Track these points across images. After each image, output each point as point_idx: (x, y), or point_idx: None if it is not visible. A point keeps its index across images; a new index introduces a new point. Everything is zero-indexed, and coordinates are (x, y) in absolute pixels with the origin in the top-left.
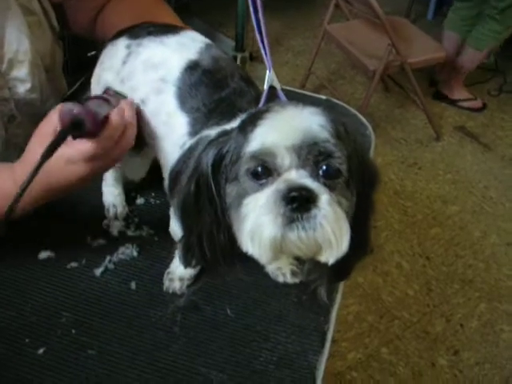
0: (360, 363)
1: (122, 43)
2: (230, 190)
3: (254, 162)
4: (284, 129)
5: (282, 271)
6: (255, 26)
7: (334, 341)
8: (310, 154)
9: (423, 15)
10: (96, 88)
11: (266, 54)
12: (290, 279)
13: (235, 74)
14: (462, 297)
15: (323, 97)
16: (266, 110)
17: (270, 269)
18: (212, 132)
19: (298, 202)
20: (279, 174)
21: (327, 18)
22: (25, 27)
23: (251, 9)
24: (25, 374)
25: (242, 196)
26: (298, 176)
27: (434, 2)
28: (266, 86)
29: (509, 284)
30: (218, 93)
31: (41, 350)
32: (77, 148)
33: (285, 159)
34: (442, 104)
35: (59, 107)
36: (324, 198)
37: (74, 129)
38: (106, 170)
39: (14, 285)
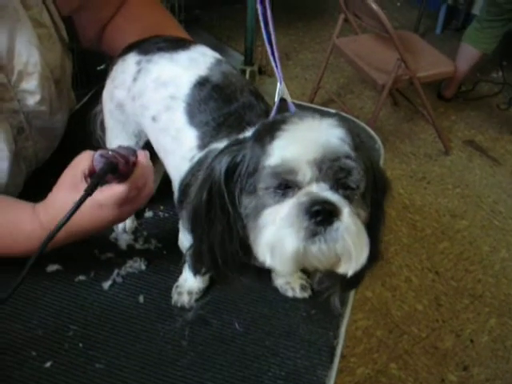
0: (369, 379)
1: (132, 59)
2: (248, 201)
3: (275, 178)
4: (304, 143)
5: (291, 286)
6: (265, 39)
7: (342, 356)
8: (331, 168)
9: (432, 29)
10: (109, 104)
11: (276, 66)
12: (299, 294)
13: (244, 89)
14: (472, 312)
15: (332, 111)
16: (283, 121)
17: (279, 283)
18: (221, 145)
19: (322, 216)
20: (300, 187)
21: (336, 32)
22: (35, 39)
23: (261, 22)
24: None
25: (260, 208)
26: (320, 189)
27: (442, 17)
28: (276, 99)
29: None
30: (227, 107)
31: (48, 364)
32: (109, 192)
33: (306, 174)
34: (452, 118)
35: (89, 155)
36: (346, 211)
37: (109, 171)
38: (130, 214)
39: (21, 297)
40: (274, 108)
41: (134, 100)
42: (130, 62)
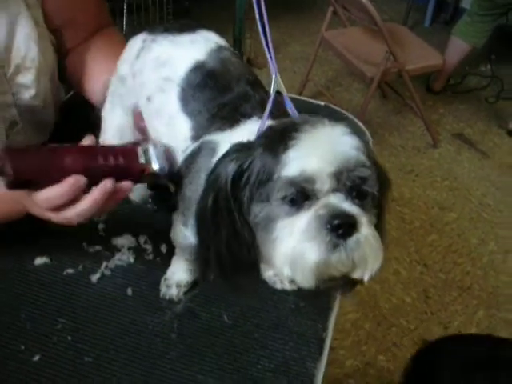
0: (357, 370)
1: (140, 37)
2: (258, 210)
3: (292, 188)
4: (323, 154)
5: (279, 278)
6: (260, 30)
7: (331, 348)
8: (349, 178)
9: (420, 22)
10: (114, 75)
11: (271, 57)
12: (288, 286)
13: (241, 78)
14: (460, 304)
15: (322, 103)
16: (295, 129)
17: (268, 276)
18: (214, 137)
19: (343, 229)
20: (317, 198)
21: (325, 25)
22: (35, 34)
23: (256, 13)
24: (20, 381)
25: (273, 218)
26: (337, 200)
27: (431, 10)
28: (272, 91)
29: (506, 291)
30: (221, 97)
31: (36, 357)
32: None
33: (324, 184)
34: (440, 111)
35: None
36: (364, 221)
37: None
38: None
39: (8, 290)
40: (270, 101)
41: (134, 77)
42: (138, 39)
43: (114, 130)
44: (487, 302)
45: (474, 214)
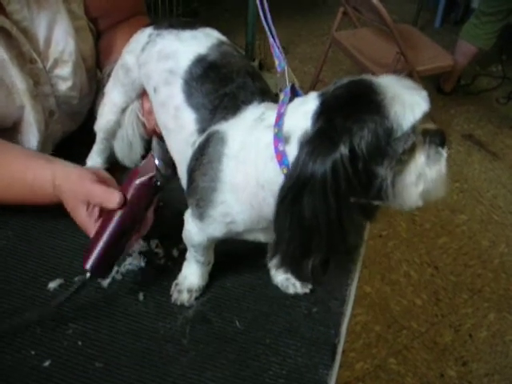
0: (368, 374)
1: (146, 31)
2: (384, 172)
3: (419, 135)
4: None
5: (291, 282)
6: (265, 25)
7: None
8: None
9: (431, 23)
10: (119, 61)
11: (278, 47)
12: (300, 289)
13: (241, 70)
14: (471, 307)
15: None
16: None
17: (280, 280)
18: (220, 127)
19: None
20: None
21: (335, 26)
22: (71, 30)
23: (260, 11)
24: None
25: (400, 170)
26: None
27: (441, 10)
28: (287, 83)
29: None
30: (222, 88)
31: (47, 363)
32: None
33: None
34: (451, 112)
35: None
36: None
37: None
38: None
39: (19, 295)
40: (286, 93)
41: (140, 68)
42: (145, 34)
43: (110, 105)
44: (498, 304)
45: (484, 216)
